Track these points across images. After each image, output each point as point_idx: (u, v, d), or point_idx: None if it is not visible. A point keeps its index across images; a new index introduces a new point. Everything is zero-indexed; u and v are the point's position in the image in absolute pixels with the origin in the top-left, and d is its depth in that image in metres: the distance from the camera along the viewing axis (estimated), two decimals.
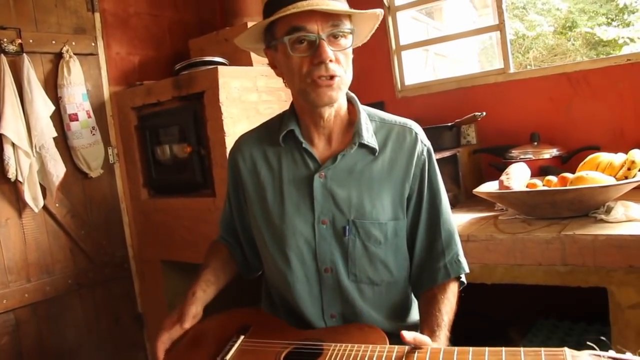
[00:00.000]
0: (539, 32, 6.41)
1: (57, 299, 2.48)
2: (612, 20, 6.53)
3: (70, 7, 2.57)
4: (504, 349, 0.94)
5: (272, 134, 1.33)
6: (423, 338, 1.01)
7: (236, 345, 1.19)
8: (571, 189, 1.67)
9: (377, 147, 1.25)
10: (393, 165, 1.26)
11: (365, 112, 1.30)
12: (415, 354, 1.00)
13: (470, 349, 0.96)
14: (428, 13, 4.27)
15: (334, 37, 1.14)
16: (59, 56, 2.49)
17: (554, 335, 2.06)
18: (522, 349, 0.93)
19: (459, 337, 2.15)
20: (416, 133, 1.29)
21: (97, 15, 2.67)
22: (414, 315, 1.35)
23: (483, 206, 2.06)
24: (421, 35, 4.07)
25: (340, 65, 1.16)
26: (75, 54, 2.52)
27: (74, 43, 2.55)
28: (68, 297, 2.52)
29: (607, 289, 1.53)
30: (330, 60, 1.12)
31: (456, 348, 0.98)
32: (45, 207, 2.42)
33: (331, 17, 1.12)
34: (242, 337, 1.22)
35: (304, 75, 1.14)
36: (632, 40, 6.15)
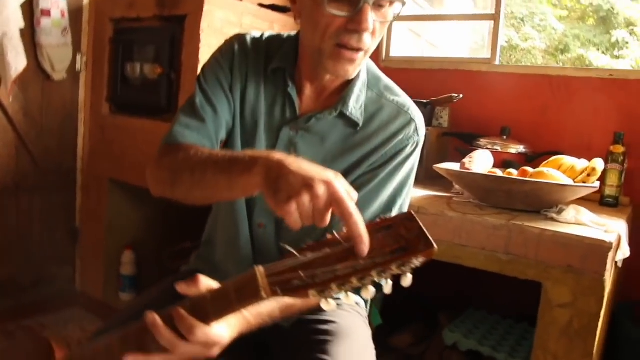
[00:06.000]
0: (531, 46, 6.41)
1: None
2: (603, 53, 6.58)
3: None
4: None
5: (268, 55, 1.15)
6: None
7: None
8: (529, 181, 1.65)
9: (360, 122, 1.11)
10: (371, 139, 1.12)
11: (367, 76, 1.15)
12: None
13: None
14: None
15: (379, 5, 0.97)
16: None
17: (480, 325, 2.06)
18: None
19: (386, 312, 2.14)
20: (412, 119, 1.14)
21: None
22: None
23: (440, 187, 2.04)
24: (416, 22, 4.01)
25: (374, 38, 1.00)
26: None
27: None
28: (3, 197, 2.41)
29: (542, 284, 1.53)
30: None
31: None
32: None
33: None
34: None
35: (328, 36, 0.98)
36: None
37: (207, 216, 1.36)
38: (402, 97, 1.18)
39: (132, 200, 2.64)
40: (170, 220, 2.70)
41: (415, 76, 2.51)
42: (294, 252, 0.72)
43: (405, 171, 1.15)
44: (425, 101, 2.26)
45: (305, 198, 0.72)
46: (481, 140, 2.15)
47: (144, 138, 2.38)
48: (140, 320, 0.77)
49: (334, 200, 0.72)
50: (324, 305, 0.70)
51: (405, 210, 1.17)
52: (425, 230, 0.70)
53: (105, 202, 2.59)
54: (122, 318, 1.06)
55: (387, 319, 2.06)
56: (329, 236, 0.73)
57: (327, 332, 1.10)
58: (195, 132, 1.10)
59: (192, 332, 0.74)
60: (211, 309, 0.75)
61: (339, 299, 0.73)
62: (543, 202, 1.70)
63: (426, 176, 2.14)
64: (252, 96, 1.14)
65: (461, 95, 2.18)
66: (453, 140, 2.33)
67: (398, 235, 0.71)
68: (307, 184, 0.73)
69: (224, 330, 0.82)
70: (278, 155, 0.80)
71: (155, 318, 0.75)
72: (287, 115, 1.13)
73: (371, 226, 0.73)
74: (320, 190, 0.72)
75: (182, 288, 0.78)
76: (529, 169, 1.78)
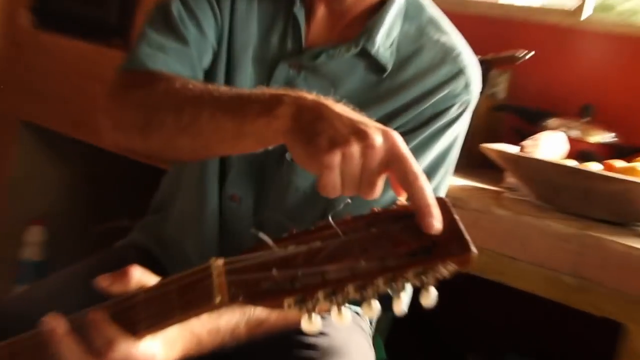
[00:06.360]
0: (635, 9, 6.37)
1: None
2: None
3: None
4: None
5: None
6: None
7: None
8: (617, 178, 1.59)
9: (388, 66, 1.11)
10: (402, 91, 1.12)
11: (406, 2, 1.14)
12: None
13: None
14: None
15: None
16: None
17: None
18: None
19: (393, 347, 2.08)
20: (462, 69, 1.14)
21: None
22: None
23: (486, 178, 2.00)
24: None
25: None
26: None
27: None
28: None
29: (623, 326, 1.46)
30: None
31: None
32: None
33: None
34: None
35: None
36: None
37: (156, 185, 1.38)
38: (452, 37, 1.17)
39: (52, 154, 2.63)
40: (103, 187, 2.69)
41: (469, 24, 2.38)
42: (269, 241, 0.68)
43: (446, 141, 1.14)
44: (479, 57, 2.18)
45: (355, 148, 0.69)
46: (551, 120, 2.10)
47: (79, 67, 2.37)
48: (36, 324, 0.74)
49: (393, 156, 0.69)
50: (305, 323, 0.66)
51: (441, 195, 1.15)
52: (462, 226, 0.67)
53: (11, 155, 2.57)
54: (8, 317, 1.04)
55: (393, 356, 2.02)
56: (320, 223, 0.69)
57: (314, 347, 1.09)
58: (173, 58, 1.07)
59: (110, 348, 0.70)
60: (143, 315, 0.72)
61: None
62: (634, 210, 1.66)
63: (468, 162, 2.07)
64: (242, 14, 1.13)
65: (529, 54, 2.11)
66: (511, 117, 2.29)
67: (421, 229, 0.67)
68: (358, 129, 0.70)
69: (158, 348, 0.77)
70: (311, 95, 0.79)
71: (57, 324, 0.72)
72: (287, 47, 1.13)
73: (384, 214, 0.70)
74: (378, 139, 0.69)
75: (103, 282, 0.74)
76: (618, 164, 1.75)
